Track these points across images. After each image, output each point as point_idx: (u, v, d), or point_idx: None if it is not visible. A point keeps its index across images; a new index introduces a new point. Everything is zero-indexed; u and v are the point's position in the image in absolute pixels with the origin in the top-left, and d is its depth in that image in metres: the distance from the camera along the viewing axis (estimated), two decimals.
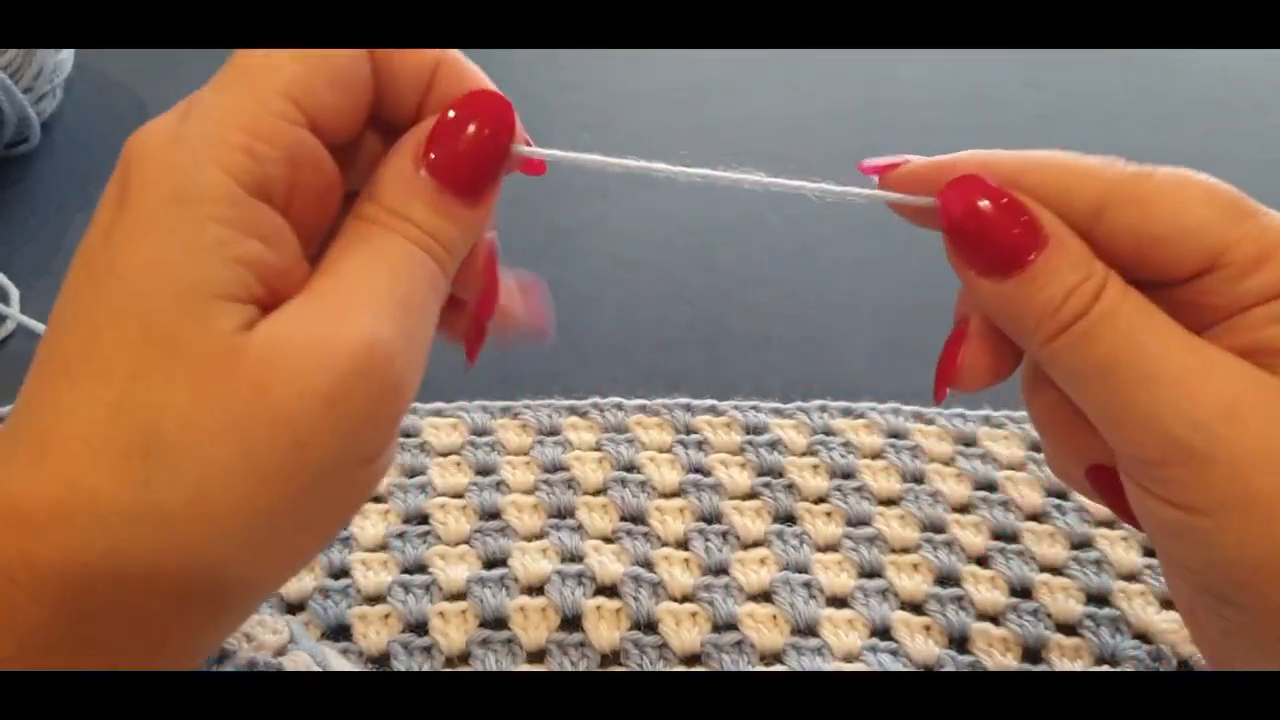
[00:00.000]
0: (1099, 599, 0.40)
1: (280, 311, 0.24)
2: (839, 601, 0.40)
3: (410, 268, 0.25)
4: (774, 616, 0.39)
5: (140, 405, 0.22)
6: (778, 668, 0.38)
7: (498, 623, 0.39)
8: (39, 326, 0.49)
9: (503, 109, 0.27)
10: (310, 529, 0.25)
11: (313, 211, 0.26)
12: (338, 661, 0.35)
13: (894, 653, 0.39)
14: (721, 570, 0.41)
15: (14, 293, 0.51)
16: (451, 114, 0.26)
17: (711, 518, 0.43)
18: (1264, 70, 0.66)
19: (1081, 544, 0.42)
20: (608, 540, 0.42)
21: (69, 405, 0.23)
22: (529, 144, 0.28)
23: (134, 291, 0.23)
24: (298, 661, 0.33)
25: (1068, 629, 0.39)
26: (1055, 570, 0.41)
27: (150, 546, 0.22)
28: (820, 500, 0.43)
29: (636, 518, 0.42)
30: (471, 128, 0.26)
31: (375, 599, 0.40)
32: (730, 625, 0.39)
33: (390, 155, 0.26)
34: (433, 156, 0.26)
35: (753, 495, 0.43)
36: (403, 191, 0.26)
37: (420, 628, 0.39)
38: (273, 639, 0.34)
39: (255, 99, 0.24)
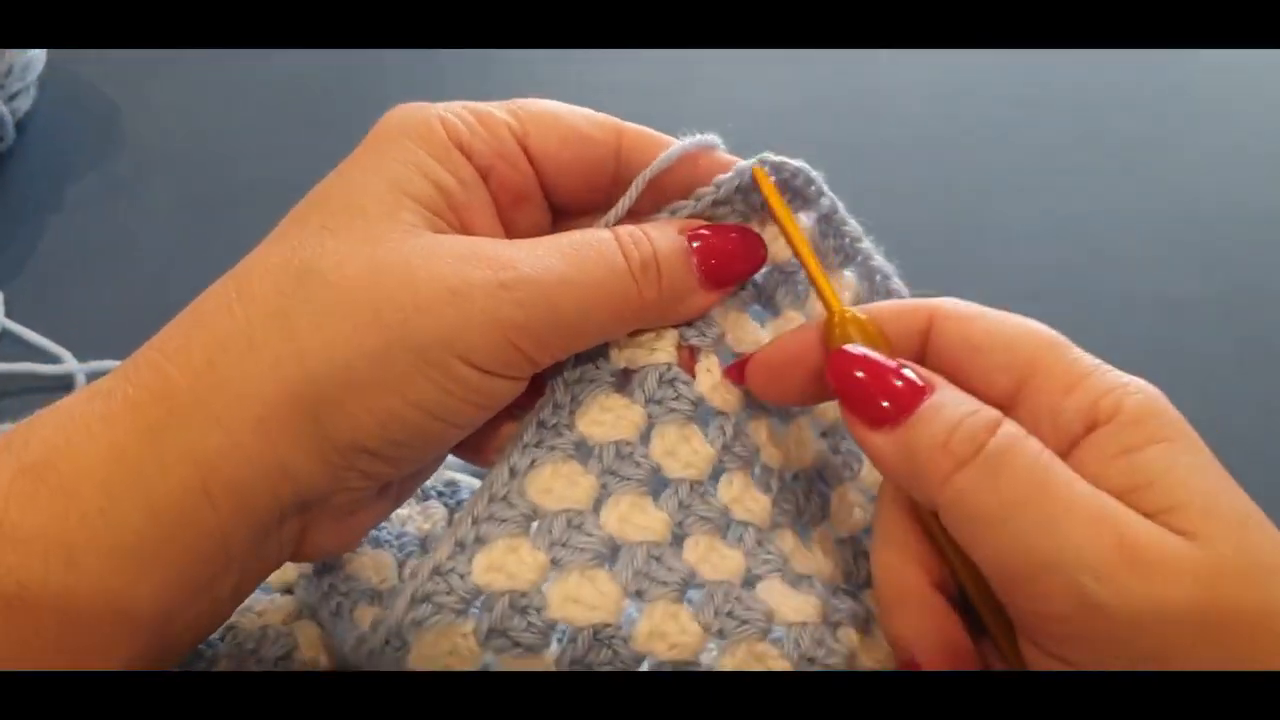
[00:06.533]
0: None
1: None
2: None
3: (598, 262, 0.29)
4: None
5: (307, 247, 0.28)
6: None
7: None
8: (23, 331, 0.49)
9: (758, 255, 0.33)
10: (403, 393, 0.27)
11: (505, 194, 0.31)
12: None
13: None
14: None
15: None
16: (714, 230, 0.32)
17: None
18: (1254, 66, 0.66)
19: None
20: None
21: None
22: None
23: (351, 183, 0.30)
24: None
25: None
26: None
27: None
28: None
29: None
30: (734, 235, 0.32)
31: None
32: None
33: (662, 221, 0.32)
34: (703, 233, 0.31)
35: None
36: (660, 232, 0.31)
37: None
38: None
39: (499, 106, 0.32)
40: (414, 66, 0.63)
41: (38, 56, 0.57)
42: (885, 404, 0.27)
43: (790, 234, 0.32)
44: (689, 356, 0.32)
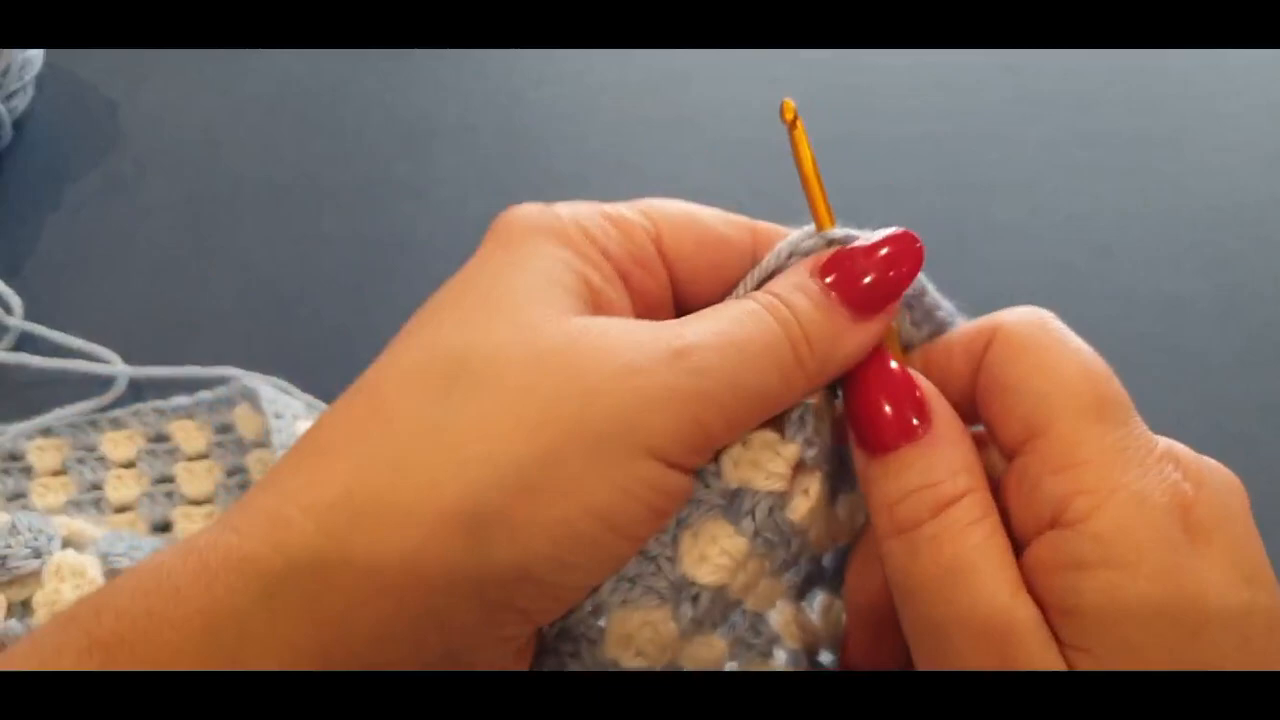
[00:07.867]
0: None
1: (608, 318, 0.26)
2: None
3: (753, 319, 0.26)
4: None
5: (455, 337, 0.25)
6: None
7: None
8: (29, 327, 0.49)
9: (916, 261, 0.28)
10: (578, 498, 0.24)
11: (640, 300, 0.29)
12: None
13: None
14: None
15: (15, 301, 0.50)
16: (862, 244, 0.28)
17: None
18: (1254, 66, 0.66)
19: None
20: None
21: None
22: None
23: (506, 283, 0.26)
24: None
25: None
26: None
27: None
28: None
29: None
30: (873, 245, 0.28)
31: None
32: None
33: (789, 270, 0.28)
34: (835, 260, 0.27)
35: None
36: (789, 284, 0.27)
37: None
38: None
39: (628, 207, 0.29)
40: (414, 66, 0.63)
41: (35, 55, 0.57)
42: (869, 428, 0.26)
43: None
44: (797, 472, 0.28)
